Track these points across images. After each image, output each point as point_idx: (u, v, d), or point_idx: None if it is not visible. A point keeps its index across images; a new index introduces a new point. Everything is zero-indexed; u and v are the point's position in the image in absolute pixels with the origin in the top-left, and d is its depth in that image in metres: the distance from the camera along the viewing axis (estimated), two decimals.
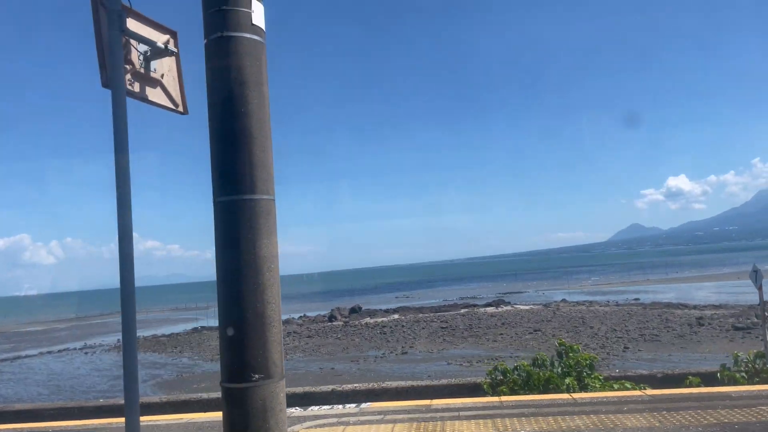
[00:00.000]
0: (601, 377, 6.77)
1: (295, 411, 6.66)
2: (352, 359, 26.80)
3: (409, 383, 7.26)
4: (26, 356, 36.53)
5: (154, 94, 3.63)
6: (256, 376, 3.02)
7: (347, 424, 5.88)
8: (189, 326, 47.72)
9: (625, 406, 5.63)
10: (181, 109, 3.82)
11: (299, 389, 10.07)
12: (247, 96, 3.14)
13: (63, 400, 20.90)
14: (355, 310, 47.61)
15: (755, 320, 27.42)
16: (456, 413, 5.93)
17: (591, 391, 6.52)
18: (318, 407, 6.90)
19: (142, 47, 3.53)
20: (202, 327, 45.68)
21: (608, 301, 43.70)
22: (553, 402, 6.05)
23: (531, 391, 6.62)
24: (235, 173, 3.11)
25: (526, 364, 7.06)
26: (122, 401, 3.17)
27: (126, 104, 3.20)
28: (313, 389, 9.93)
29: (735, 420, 5.01)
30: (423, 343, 30.17)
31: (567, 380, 6.73)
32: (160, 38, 3.64)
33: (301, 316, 47.39)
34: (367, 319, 42.95)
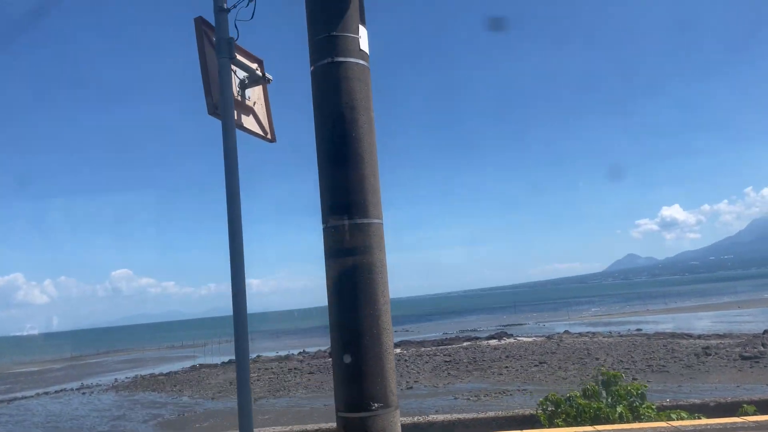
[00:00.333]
0: (653, 406, 6.66)
1: None
2: None
3: (455, 416, 7.09)
4: (23, 397, 35.55)
5: (249, 122, 3.62)
6: (376, 405, 2.94)
7: None
8: (187, 364, 46.79)
9: None
10: (269, 136, 3.79)
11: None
12: (358, 120, 3.14)
13: None
14: None
15: (762, 349, 27.36)
16: None
17: (645, 420, 6.41)
18: None
19: (240, 74, 3.53)
20: (200, 364, 44.78)
21: (611, 332, 43.35)
22: (642, 429, 5.66)
23: (584, 422, 6.50)
24: (348, 197, 3.08)
25: (578, 394, 6.94)
26: None
27: (236, 132, 3.17)
28: None
29: None
30: (427, 378, 29.72)
31: (619, 409, 6.62)
32: (252, 66, 3.65)
33: (300, 352, 46.65)
34: None
